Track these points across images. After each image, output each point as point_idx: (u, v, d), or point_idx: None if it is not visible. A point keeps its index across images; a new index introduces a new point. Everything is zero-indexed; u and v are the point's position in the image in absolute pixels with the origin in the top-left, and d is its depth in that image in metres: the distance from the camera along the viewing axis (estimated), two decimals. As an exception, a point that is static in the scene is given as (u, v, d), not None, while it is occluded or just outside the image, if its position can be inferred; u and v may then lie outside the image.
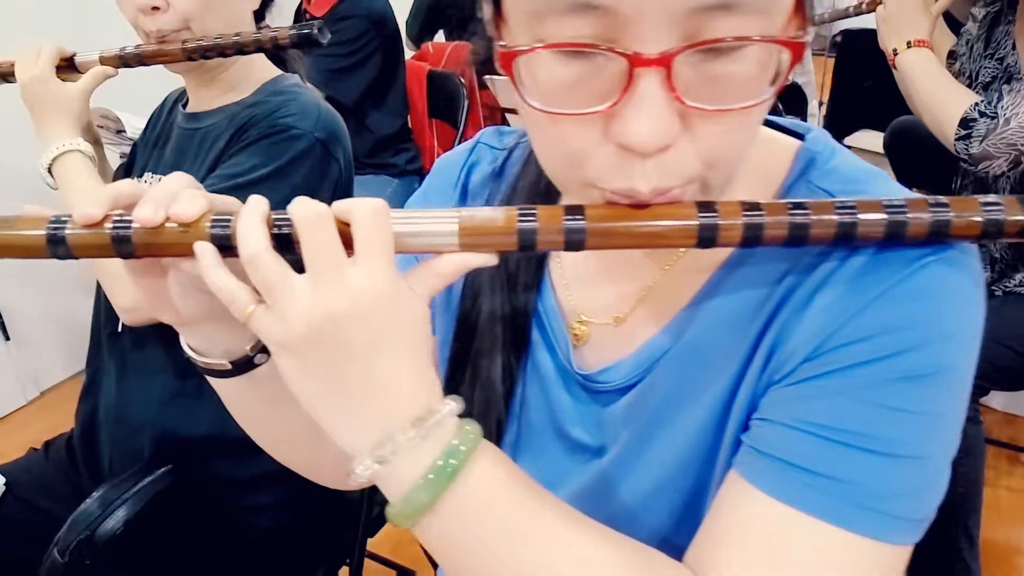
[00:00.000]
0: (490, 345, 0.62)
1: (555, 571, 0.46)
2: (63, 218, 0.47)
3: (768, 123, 0.56)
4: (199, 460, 1.08)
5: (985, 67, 1.59)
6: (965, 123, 1.41)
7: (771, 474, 0.46)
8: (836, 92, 2.69)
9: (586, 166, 0.44)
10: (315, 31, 0.98)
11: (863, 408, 0.45)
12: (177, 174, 0.49)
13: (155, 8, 1.01)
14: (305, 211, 0.44)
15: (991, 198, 0.45)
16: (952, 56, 1.74)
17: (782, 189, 0.53)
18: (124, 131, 1.45)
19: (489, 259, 0.47)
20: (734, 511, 0.48)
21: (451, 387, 0.64)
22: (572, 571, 0.46)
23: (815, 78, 3.20)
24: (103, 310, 1.16)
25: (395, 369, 0.45)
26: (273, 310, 0.44)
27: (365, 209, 0.44)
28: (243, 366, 0.55)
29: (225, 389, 0.58)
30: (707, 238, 0.45)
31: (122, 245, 0.46)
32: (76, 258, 0.48)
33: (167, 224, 0.46)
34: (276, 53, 1.12)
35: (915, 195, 0.47)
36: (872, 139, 2.49)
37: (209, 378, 0.57)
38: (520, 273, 0.62)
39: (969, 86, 1.60)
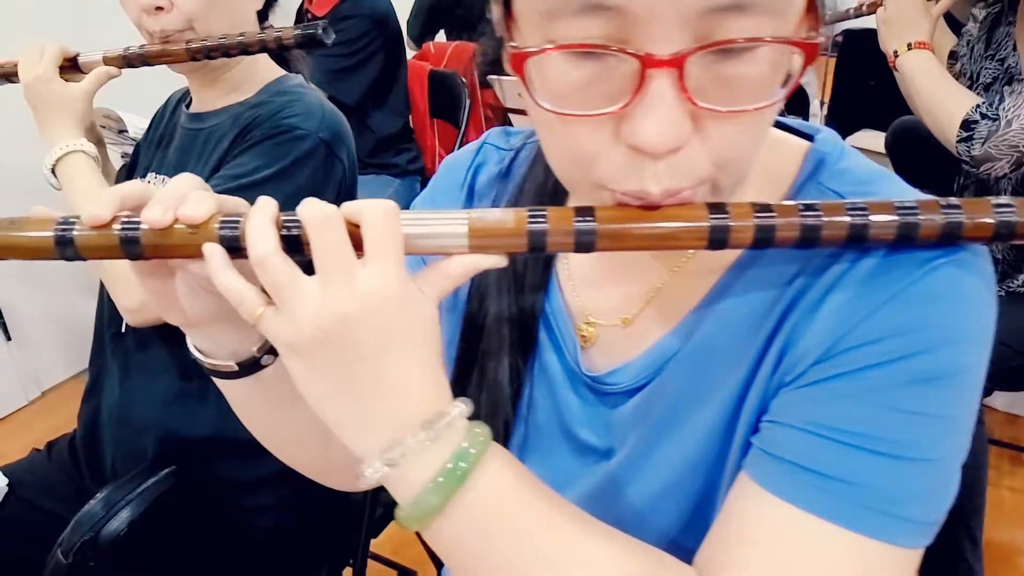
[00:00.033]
0: (497, 346, 0.62)
1: (564, 573, 0.45)
2: (71, 219, 0.47)
3: (777, 124, 0.56)
4: (202, 461, 1.08)
5: (986, 68, 1.59)
6: (967, 125, 1.41)
7: (781, 477, 0.46)
8: (837, 92, 2.69)
9: (596, 167, 0.44)
10: (320, 31, 0.97)
11: (874, 411, 0.45)
12: (185, 175, 0.49)
13: (159, 8, 1.01)
14: (315, 212, 0.44)
15: (1003, 200, 0.45)
16: (953, 57, 1.74)
17: (792, 190, 0.53)
18: (126, 131, 1.45)
19: (499, 260, 0.47)
20: (744, 514, 0.48)
21: (458, 388, 0.64)
22: (580, 573, 0.46)
23: (816, 78, 3.20)
24: (106, 311, 1.16)
25: (404, 371, 0.45)
26: (282, 311, 0.44)
27: (375, 210, 0.44)
28: (250, 367, 0.55)
29: (231, 390, 0.58)
30: (718, 240, 0.45)
31: (130, 246, 0.46)
32: (84, 259, 0.48)
33: (176, 225, 0.46)
34: (279, 53, 1.11)
35: (925, 196, 0.47)
36: (874, 139, 2.49)
37: (215, 379, 0.57)
38: (527, 274, 0.62)
39: (970, 87, 1.60)
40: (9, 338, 2.42)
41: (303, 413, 0.57)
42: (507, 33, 0.46)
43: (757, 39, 0.39)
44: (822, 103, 2.89)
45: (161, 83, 1.31)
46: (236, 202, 0.49)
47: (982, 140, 1.39)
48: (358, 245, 0.44)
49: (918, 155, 1.89)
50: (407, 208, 0.49)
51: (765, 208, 0.45)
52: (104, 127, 1.37)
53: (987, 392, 1.54)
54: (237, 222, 0.46)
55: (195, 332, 0.55)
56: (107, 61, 1.08)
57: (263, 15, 1.14)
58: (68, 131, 1.07)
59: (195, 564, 1.06)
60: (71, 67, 1.10)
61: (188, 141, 1.13)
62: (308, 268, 0.45)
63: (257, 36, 0.99)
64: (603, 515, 0.49)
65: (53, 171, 1.06)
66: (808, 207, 0.45)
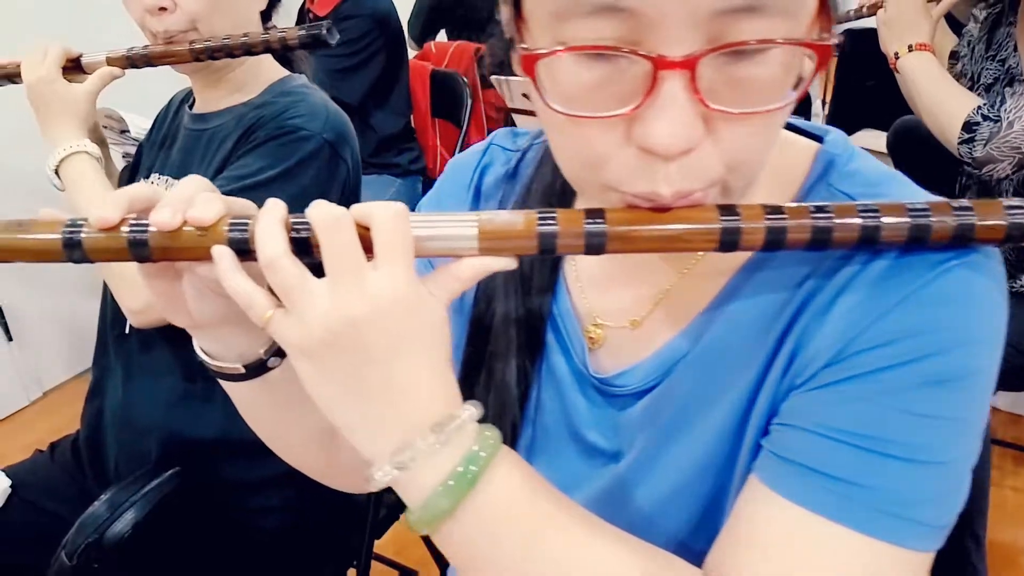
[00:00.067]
0: (504, 348, 0.62)
1: None
2: (78, 222, 0.47)
3: (786, 125, 0.56)
4: (206, 462, 1.08)
5: (987, 69, 1.59)
6: (968, 127, 1.41)
7: (792, 479, 0.46)
8: (839, 92, 2.68)
9: (607, 169, 0.44)
10: (324, 31, 0.97)
11: (886, 413, 0.44)
12: (193, 177, 0.49)
13: (162, 9, 1.00)
14: (324, 215, 0.44)
15: (1015, 201, 0.44)
16: (954, 57, 1.73)
17: (801, 191, 0.53)
18: (128, 131, 1.45)
19: (508, 263, 0.46)
20: (754, 516, 0.47)
21: (465, 390, 0.63)
22: None
23: (818, 78, 3.19)
24: (110, 311, 1.16)
25: (414, 373, 0.45)
26: (292, 314, 0.44)
27: (386, 213, 0.44)
28: (256, 370, 0.55)
29: (237, 393, 0.58)
30: (729, 242, 0.45)
31: (139, 249, 0.46)
32: (92, 262, 0.48)
33: (184, 228, 0.46)
34: (282, 53, 1.11)
35: (936, 198, 0.47)
36: (875, 139, 2.49)
37: (222, 382, 0.57)
38: (534, 276, 0.62)
39: (971, 87, 1.60)
40: (11, 338, 2.42)
41: (309, 415, 0.58)
42: (517, 34, 0.45)
43: (770, 41, 0.39)
44: (823, 103, 2.89)
45: (164, 83, 1.30)
46: (244, 204, 0.49)
47: (984, 142, 1.39)
48: (367, 247, 0.44)
49: (919, 155, 1.89)
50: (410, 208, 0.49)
51: (776, 210, 0.45)
52: (105, 127, 1.37)
53: (990, 392, 1.54)
54: (246, 224, 0.46)
55: (201, 334, 0.54)
56: (110, 62, 1.08)
57: (266, 15, 1.14)
58: (71, 132, 1.06)
59: (200, 566, 1.06)
60: (74, 68, 1.10)
61: (191, 142, 1.12)
62: (316, 270, 0.45)
63: (261, 36, 0.99)
64: (612, 517, 0.49)
65: (56, 172, 1.06)
66: (819, 209, 0.45)
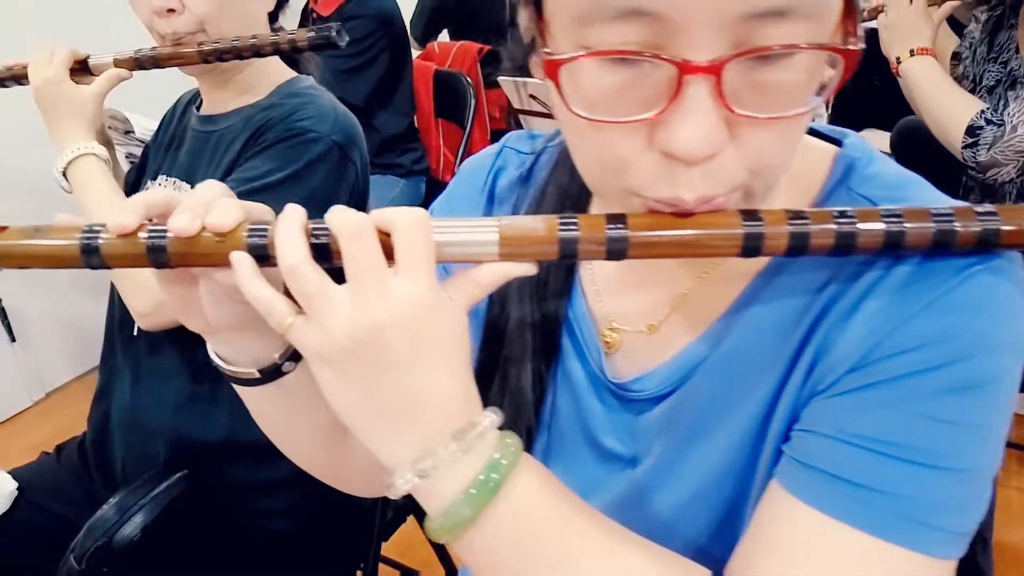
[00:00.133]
0: (519, 352, 0.62)
1: None
2: (96, 227, 0.47)
3: None
4: (214, 465, 1.08)
5: (989, 71, 1.59)
6: (972, 131, 1.41)
7: (815, 486, 0.46)
8: (841, 91, 2.66)
9: (629, 174, 0.44)
10: (334, 33, 0.97)
11: (910, 420, 0.44)
12: (211, 182, 0.48)
13: (170, 10, 1.00)
14: (346, 222, 0.43)
15: (1039, 206, 0.44)
16: (956, 58, 1.73)
17: (821, 195, 0.52)
18: (132, 132, 1.45)
19: (529, 268, 0.46)
20: (776, 523, 0.47)
21: (479, 395, 0.63)
22: None
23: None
24: (118, 313, 1.16)
25: (435, 380, 0.44)
26: (312, 320, 0.44)
27: (407, 219, 0.43)
28: (271, 374, 0.54)
29: (251, 397, 0.57)
30: (752, 247, 0.44)
31: (157, 255, 0.46)
32: (109, 268, 0.47)
33: (203, 233, 0.45)
34: (290, 55, 1.11)
35: (957, 202, 0.47)
36: (878, 139, 2.48)
37: (235, 386, 0.56)
38: (550, 279, 0.62)
39: (972, 90, 1.60)
40: (13, 339, 2.41)
41: (322, 418, 0.57)
42: (539, 38, 0.45)
43: (795, 46, 0.39)
44: (827, 103, 2.89)
45: (170, 85, 1.30)
46: (262, 209, 0.48)
47: (987, 146, 1.39)
48: (388, 254, 0.44)
49: (924, 155, 1.89)
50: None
51: (799, 215, 0.44)
52: (109, 128, 1.37)
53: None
54: (265, 230, 0.45)
55: (216, 339, 0.54)
56: (118, 63, 1.08)
57: (273, 16, 1.14)
58: (79, 134, 1.06)
59: (207, 569, 1.06)
60: (81, 69, 1.10)
61: (199, 144, 1.12)
62: (334, 275, 0.44)
63: (271, 38, 0.99)
64: (629, 523, 0.49)
65: (64, 174, 1.06)
66: (842, 214, 0.44)
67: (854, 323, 0.47)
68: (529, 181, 0.66)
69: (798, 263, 0.51)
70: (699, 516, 0.54)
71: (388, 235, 0.44)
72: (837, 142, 0.55)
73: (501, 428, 0.47)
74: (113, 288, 1.15)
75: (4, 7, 2.21)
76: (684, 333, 0.56)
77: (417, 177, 2.45)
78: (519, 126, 2.28)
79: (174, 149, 1.17)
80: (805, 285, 0.50)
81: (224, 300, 0.50)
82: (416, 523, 1.37)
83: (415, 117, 2.50)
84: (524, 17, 0.48)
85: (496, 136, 0.80)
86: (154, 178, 1.16)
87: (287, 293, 0.45)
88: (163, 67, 1.05)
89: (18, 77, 1.13)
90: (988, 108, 1.41)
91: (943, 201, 0.48)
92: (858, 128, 2.73)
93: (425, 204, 2.51)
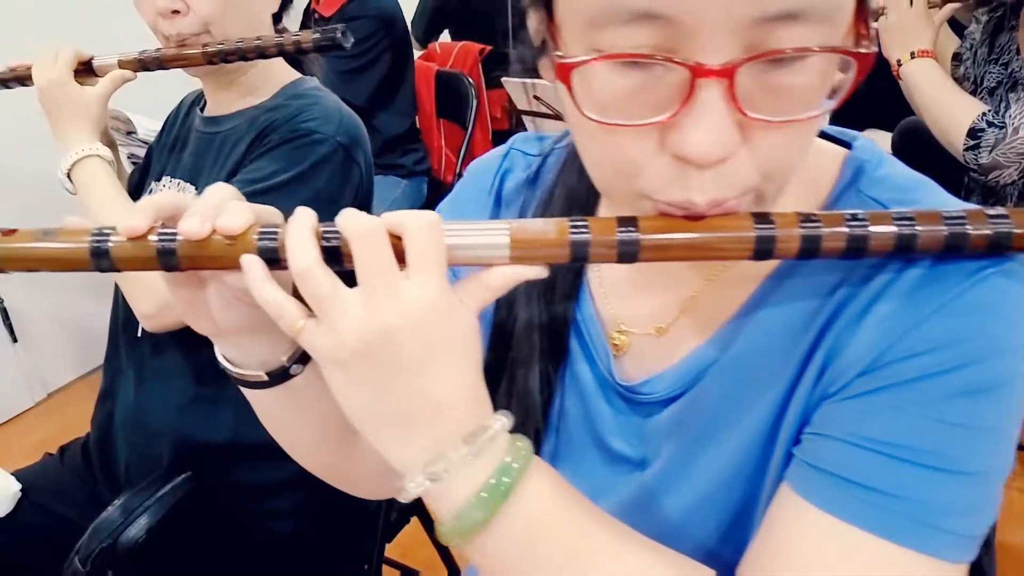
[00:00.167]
0: (527, 355, 0.62)
1: None
2: (106, 231, 0.47)
3: None
4: (219, 466, 1.08)
5: (990, 72, 1.59)
6: (973, 133, 1.41)
7: (825, 489, 0.46)
8: (843, 91, 2.67)
9: (640, 177, 0.44)
10: (339, 34, 0.97)
11: (922, 424, 0.44)
12: (221, 185, 0.48)
13: (175, 12, 1.00)
14: (357, 225, 0.43)
15: (1051, 209, 0.44)
16: (957, 59, 1.73)
17: (830, 198, 0.52)
18: (135, 132, 1.44)
19: (539, 271, 0.46)
20: (786, 526, 0.47)
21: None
22: None
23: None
24: (122, 314, 1.16)
25: (447, 383, 0.44)
26: (323, 324, 0.44)
27: (419, 223, 0.43)
28: (279, 377, 0.54)
29: (258, 399, 0.57)
30: (763, 250, 0.44)
31: (167, 258, 0.46)
32: (119, 271, 0.47)
33: (213, 236, 0.45)
34: (294, 56, 1.11)
35: (968, 205, 0.46)
36: (880, 139, 2.48)
37: (243, 388, 0.56)
38: (558, 282, 0.62)
39: (973, 91, 1.60)
40: (15, 339, 2.41)
41: (330, 421, 0.57)
42: (551, 41, 0.45)
43: (808, 49, 0.39)
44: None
45: (173, 86, 1.30)
46: (272, 212, 0.48)
47: (989, 148, 1.39)
48: (399, 257, 0.44)
49: (925, 156, 1.88)
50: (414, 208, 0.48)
51: (811, 218, 0.44)
52: (112, 128, 1.37)
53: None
54: (275, 233, 0.45)
55: (224, 342, 0.54)
56: (122, 64, 1.08)
57: (277, 17, 1.14)
58: (83, 135, 1.06)
59: (212, 570, 1.06)
60: (85, 70, 1.09)
61: (203, 145, 1.12)
62: (344, 278, 0.44)
63: (275, 40, 0.99)
64: (638, 526, 0.49)
65: (68, 175, 1.06)
66: (854, 217, 0.44)
67: (865, 326, 0.46)
68: (536, 183, 0.66)
69: (808, 266, 0.51)
70: (708, 519, 0.54)
71: (399, 238, 0.44)
72: (846, 144, 0.55)
73: (510, 431, 0.47)
74: (117, 289, 1.15)
75: (4, 7, 2.21)
76: (693, 336, 0.56)
77: (419, 178, 2.45)
78: (521, 126, 2.28)
79: (178, 150, 1.17)
80: (816, 288, 0.50)
81: (233, 303, 0.50)
82: (419, 523, 1.37)
83: (417, 118, 2.50)
84: (534, 20, 0.47)
85: (498, 136, 0.79)
86: (158, 179, 1.16)
87: (297, 296, 0.45)
88: (168, 68, 1.05)
89: (21, 78, 1.12)
90: (989, 110, 1.41)
91: (953, 203, 0.48)
92: (859, 129, 2.72)
93: (427, 205, 2.52)
